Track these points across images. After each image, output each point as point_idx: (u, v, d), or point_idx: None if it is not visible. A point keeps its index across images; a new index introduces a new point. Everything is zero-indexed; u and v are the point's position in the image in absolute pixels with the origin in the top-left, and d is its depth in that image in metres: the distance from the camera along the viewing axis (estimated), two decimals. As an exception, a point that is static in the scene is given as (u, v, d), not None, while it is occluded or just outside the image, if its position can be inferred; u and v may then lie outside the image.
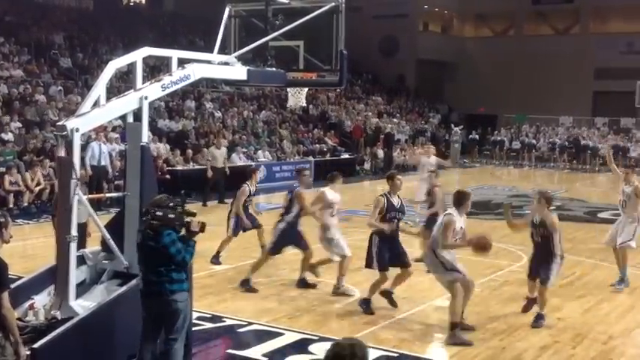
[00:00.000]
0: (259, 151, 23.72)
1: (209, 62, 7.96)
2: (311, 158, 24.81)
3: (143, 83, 7.04)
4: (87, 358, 6.06)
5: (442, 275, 7.95)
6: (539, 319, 8.31)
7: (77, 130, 6.30)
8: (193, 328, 6.84)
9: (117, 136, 18.77)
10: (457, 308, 7.77)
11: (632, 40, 36.80)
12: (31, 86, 21.49)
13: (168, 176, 18.47)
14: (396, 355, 7.33)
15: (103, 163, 16.57)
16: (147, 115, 6.87)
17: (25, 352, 5.18)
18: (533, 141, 35.05)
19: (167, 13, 37.68)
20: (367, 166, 27.87)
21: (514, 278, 10.66)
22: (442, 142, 34.55)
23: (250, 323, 8.19)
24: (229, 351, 7.46)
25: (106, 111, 6.78)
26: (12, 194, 15.68)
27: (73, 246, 6.35)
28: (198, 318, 7.92)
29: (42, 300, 6.66)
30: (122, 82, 20.41)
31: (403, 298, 9.32)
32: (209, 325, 8.09)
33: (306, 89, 9.73)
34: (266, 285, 9.96)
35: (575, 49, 37.38)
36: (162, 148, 20.18)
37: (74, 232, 6.33)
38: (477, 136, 36.45)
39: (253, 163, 22.34)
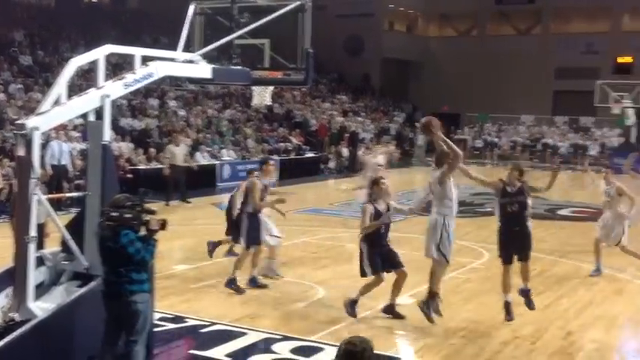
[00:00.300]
0: (223, 150, 23.62)
1: (173, 60, 7.90)
2: (276, 157, 24.76)
3: (105, 81, 6.96)
4: (46, 360, 5.97)
5: None
6: (527, 294, 8.39)
7: (37, 128, 6.20)
8: (155, 329, 6.80)
9: (78, 134, 18.51)
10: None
11: (592, 41, 37.49)
12: (-10, 84, 21.10)
13: (130, 175, 18.28)
14: (359, 353, 7.35)
15: (63, 162, 16.32)
16: (109, 113, 6.78)
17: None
18: (496, 139, 35.54)
19: (130, 11, 37.29)
20: (332, 164, 27.93)
21: (476, 275, 10.80)
22: (407, 141, 34.81)
23: (213, 323, 8.15)
24: (191, 351, 7.42)
25: (66, 109, 6.67)
26: (-30, 194, 15.37)
27: (32, 247, 6.25)
28: (160, 319, 7.86)
29: (-1, 302, 6.54)
30: (84, 80, 20.09)
31: (366, 296, 9.35)
32: (171, 325, 8.03)
33: (271, 88, 9.72)
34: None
35: (537, 49, 37.96)
36: (124, 147, 19.96)
37: (33, 232, 6.23)
38: (440, 135, 36.74)
39: (218, 162, 22.30)
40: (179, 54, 8.08)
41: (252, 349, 7.44)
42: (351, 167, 27.75)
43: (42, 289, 6.54)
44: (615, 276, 11.07)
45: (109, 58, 7.91)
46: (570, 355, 7.48)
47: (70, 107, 6.68)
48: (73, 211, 10.19)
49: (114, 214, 5.64)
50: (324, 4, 35.50)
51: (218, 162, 22.39)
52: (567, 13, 39.53)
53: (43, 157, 14.27)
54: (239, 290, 9.45)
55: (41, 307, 6.26)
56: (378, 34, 40.71)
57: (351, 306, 8.46)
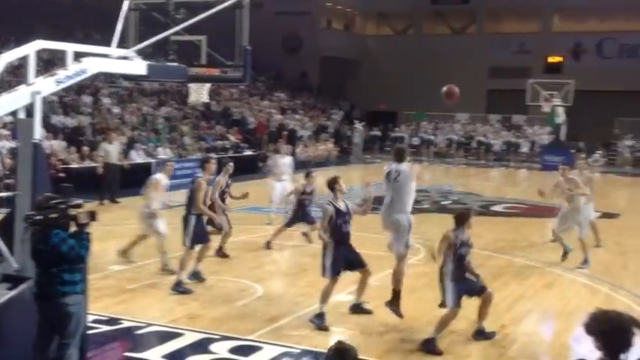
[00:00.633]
0: (159, 148, 23.26)
1: (107, 56, 7.73)
2: (213, 155, 24.51)
3: (36, 78, 6.75)
4: (-26, 366, 5.77)
5: None
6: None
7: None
8: (89, 332, 6.65)
9: (7, 132, 17.93)
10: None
11: (524, 41, 38.49)
12: None
13: (63, 174, 17.80)
14: (297, 351, 7.38)
15: (-8, 160, 15.82)
16: (40, 110, 6.58)
17: None
18: (432, 137, 36.14)
19: (62, 5, 36.29)
20: (270, 162, 27.85)
21: (412, 271, 10.90)
22: (345, 139, 35.03)
23: (149, 324, 8.02)
24: (127, 354, 7.29)
25: (-5, 107, 6.46)
26: None
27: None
28: (94, 321, 7.68)
29: None
30: (13, 77, 19.48)
31: (304, 295, 9.39)
32: (105, 327, 7.86)
33: (208, 85, 9.61)
34: (165, 285, 9.78)
35: (471, 49, 38.73)
36: (56, 145, 19.45)
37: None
38: (378, 133, 37.16)
39: (153, 160, 21.94)
40: (113, 50, 7.91)
41: (190, 349, 7.35)
42: (289, 165, 27.76)
43: (-30, 293, 6.31)
44: (546, 270, 11.40)
45: (40, 54, 7.68)
46: (504, 348, 7.66)
47: (-2, 104, 6.46)
48: (3, 212, 9.88)
49: (38, 217, 5.48)
50: (262, 1, 35.35)
51: (154, 160, 22.03)
52: (500, 13, 40.47)
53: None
54: (186, 291, 9.35)
55: (-31, 312, 6.04)
56: (316, 32, 40.82)
57: (319, 318, 8.23)
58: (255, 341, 7.58)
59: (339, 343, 4.03)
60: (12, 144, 16.49)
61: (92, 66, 7.17)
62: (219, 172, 11.27)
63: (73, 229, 5.64)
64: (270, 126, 30.78)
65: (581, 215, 11.78)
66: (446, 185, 23.30)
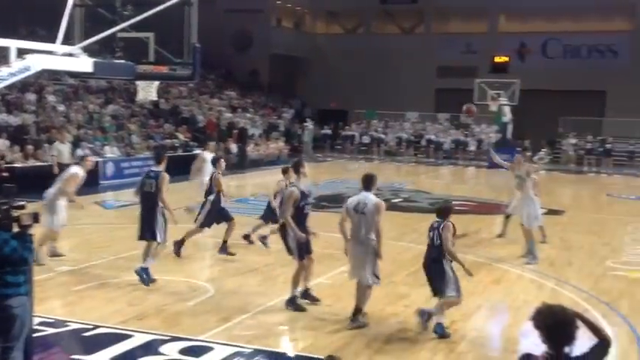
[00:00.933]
0: (106, 147, 22.86)
1: (51, 53, 7.55)
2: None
3: (-23, 75, 6.55)
4: None
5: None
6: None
7: None
8: (34, 335, 6.47)
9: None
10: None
11: (471, 41, 39.06)
12: None
13: (6, 174, 17.33)
14: (249, 350, 7.33)
15: None
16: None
17: None
18: (382, 135, 36.40)
19: (5, 0, 35.34)
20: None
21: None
22: (296, 137, 35.01)
23: (97, 326, 7.87)
24: (74, 357, 7.12)
25: None
26: None
27: None
28: (40, 323, 7.48)
29: None
30: (-47, 73, 18.91)
31: (256, 293, 9.35)
32: (51, 330, 7.69)
33: (156, 83, 9.50)
34: (114, 286, 9.62)
35: (420, 48, 39.12)
36: (-1, 144, 18.95)
37: None
38: (329, 131, 37.27)
39: (101, 159, 21.54)
40: (58, 47, 7.75)
41: (139, 351, 7.24)
42: (240, 164, 27.61)
43: None
44: (494, 266, 11.59)
45: (-19, 50, 7.46)
46: (454, 343, 7.76)
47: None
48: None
49: None
50: (211, -2, 35.09)
51: (101, 159, 21.63)
52: (448, 13, 40.98)
53: None
54: (151, 280, 9.52)
55: None
56: (266, 30, 40.68)
57: (292, 302, 8.59)
58: (207, 342, 7.50)
59: (330, 357, 4.30)
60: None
61: (36, 63, 7.01)
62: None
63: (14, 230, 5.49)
64: (220, 124, 30.53)
65: (530, 206, 12.03)
66: (396, 183, 23.49)
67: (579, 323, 3.86)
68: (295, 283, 8.77)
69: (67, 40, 8.09)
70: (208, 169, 13.55)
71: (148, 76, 8.90)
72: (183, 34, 8.52)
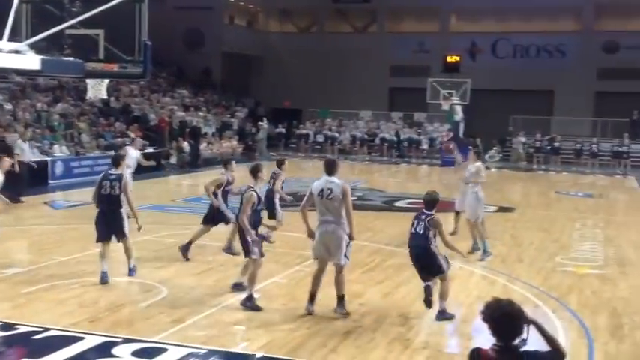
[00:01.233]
0: (55, 146, 22.38)
1: (-3, 50, 7.36)
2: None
3: None
4: None
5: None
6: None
7: None
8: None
9: None
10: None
11: (423, 40, 39.45)
12: None
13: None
14: (204, 351, 7.26)
15: None
16: None
17: None
18: (336, 134, 36.49)
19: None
20: (173, 160, 27.36)
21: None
22: (249, 136, 34.84)
23: (47, 329, 7.69)
24: (23, 360, 6.97)
25: None
26: None
27: None
28: (-12, 327, 7.31)
29: None
30: None
31: (210, 294, 9.28)
32: (0, 333, 7.50)
33: (106, 80, 9.39)
34: (65, 287, 9.42)
35: (373, 47, 39.35)
36: (-57, 143, 18.36)
37: None
38: (283, 130, 37.21)
39: (49, 159, 21.09)
40: (4, 44, 7.57)
41: (91, 353, 7.10)
42: (193, 162, 27.36)
43: None
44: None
45: None
46: (409, 341, 7.82)
47: None
48: None
49: None
50: (162, -4, 34.67)
51: (50, 159, 21.18)
52: (400, 13, 41.33)
53: None
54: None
55: None
56: (219, 28, 40.35)
57: (250, 300, 8.67)
58: (160, 343, 7.41)
59: None
60: None
61: (-18, 60, 6.80)
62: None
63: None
64: (173, 123, 30.18)
65: (479, 202, 12.23)
66: (350, 182, 23.56)
67: (525, 319, 3.93)
68: (252, 281, 8.78)
69: (14, 37, 7.90)
70: (132, 164, 14.09)
71: (97, 73, 8.76)
72: (133, 32, 8.39)
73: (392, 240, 13.36)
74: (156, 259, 11.32)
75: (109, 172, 10.12)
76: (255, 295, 8.92)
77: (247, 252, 8.88)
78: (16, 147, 17.55)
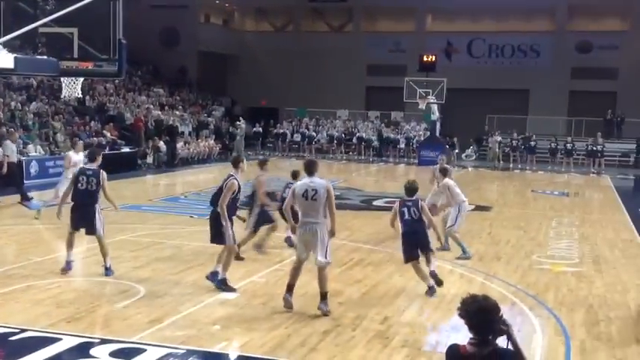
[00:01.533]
0: (30, 145, 22.12)
1: (-31, 48, 7.24)
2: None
3: None
4: None
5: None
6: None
7: None
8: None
9: None
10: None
11: (399, 40, 39.62)
12: None
13: None
14: (183, 351, 7.21)
15: None
16: None
17: None
18: (314, 133, 36.48)
19: None
20: (150, 159, 27.17)
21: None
22: (226, 135, 34.71)
23: (24, 330, 7.58)
24: (0, 362, 6.87)
25: None
26: None
27: None
28: (-37, 329, 7.19)
29: None
30: None
31: (189, 294, 9.22)
32: (-25, 335, 7.39)
33: (81, 79, 9.29)
34: (41, 288, 9.31)
35: (349, 46, 39.42)
36: None
37: None
38: (260, 129, 37.13)
39: (24, 158, 20.83)
40: (-23, 42, 7.42)
41: (68, 354, 7.03)
42: (169, 162, 27.20)
43: None
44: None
45: None
46: (387, 339, 7.83)
47: None
48: None
49: None
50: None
51: (24, 158, 20.92)
52: (376, 12, 41.45)
53: None
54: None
55: None
56: (194, 27, 40.15)
57: (224, 283, 9.18)
58: (138, 343, 7.34)
59: None
60: None
61: (-46, 58, 6.69)
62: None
63: None
64: (149, 122, 29.97)
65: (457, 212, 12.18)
66: (328, 181, 23.55)
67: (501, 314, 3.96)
68: (226, 266, 9.26)
69: (-13, 36, 7.78)
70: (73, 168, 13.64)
71: (72, 72, 8.65)
72: (108, 30, 8.30)
73: (370, 239, 13.39)
74: (133, 259, 11.22)
75: (85, 167, 10.39)
76: (236, 294, 8.93)
77: (221, 238, 9.25)
78: (6, 148, 17.38)
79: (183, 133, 30.98)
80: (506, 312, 4.13)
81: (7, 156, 16.95)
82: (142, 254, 11.61)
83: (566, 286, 10.49)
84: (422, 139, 34.13)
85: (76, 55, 8.44)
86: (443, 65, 34.98)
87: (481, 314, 3.91)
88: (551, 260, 12.26)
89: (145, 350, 7.16)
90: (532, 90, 37.46)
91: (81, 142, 16.48)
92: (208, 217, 9.79)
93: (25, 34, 7.92)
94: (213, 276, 9.50)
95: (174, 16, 39.15)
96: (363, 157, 34.71)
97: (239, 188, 9.29)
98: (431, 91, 30.95)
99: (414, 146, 33.98)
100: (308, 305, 8.74)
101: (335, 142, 36.00)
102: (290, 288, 8.69)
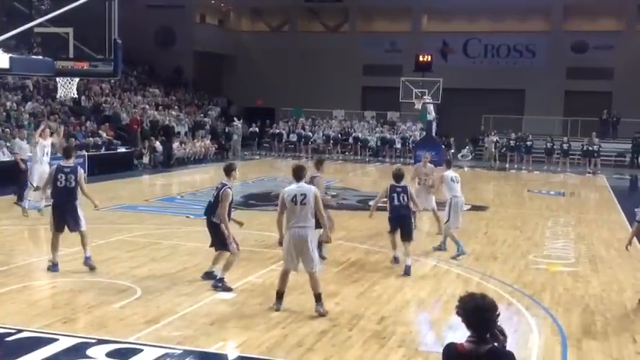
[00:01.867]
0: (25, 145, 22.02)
1: (-36, 49, 7.21)
2: (84, 152, 23.56)
3: None
4: None
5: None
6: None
7: None
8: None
9: None
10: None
11: (395, 40, 39.63)
12: None
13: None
14: (179, 351, 7.20)
15: None
16: None
17: None
18: (310, 133, 36.46)
19: None
20: (146, 159, 27.12)
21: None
22: (222, 135, 34.67)
23: (20, 331, 7.57)
24: (-4, 363, 6.85)
25: None
26: None
27: None
28: (-42, 330, 7.17)
29: None
30: None
31: (185, 294, 9.21)
32: (-29, 336, 7.36)
33: (77, 79, 9.26)
34: (37, 288, 9.30)
35: (345, 46, 39.42)
36: None
37: None
38: (256, 129, 37.10)
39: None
40: (-28, 42, 7.40)
41: (65, 355, 7.00)
42: (165, 162, 27.16)
43: None
44: (422, 261, 11.77)
45: None
46: (384, 339, 7.82)
47: None
48: None
49: None
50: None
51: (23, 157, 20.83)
52: (372, 12, 41.46)
53: None
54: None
55: None
56: (190, 27, 40.12)
57: (221, 282, 9.28)
58: (135, 344, 7.33)
59: None
60: None
61: (-51, 58, 6.67)
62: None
63: None
64: (145, 122, 29.92)
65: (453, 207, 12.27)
66: (324, 181, 23.53)
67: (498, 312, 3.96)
68: (227, 267, 9.36)
69: (-19, 36, 7.75)
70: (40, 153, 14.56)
71: (67, 72, 8.63)
72: (104, 30, 8.28)
73: (366, 239, 13.38)
74: (130, 259, 11.20)
75: (62, 164, 10.46)
76: (233, 294, 8.97)
77: (223, 245, 9.35)
78: (14, 146, 17.46)
79: (179, 133, 30.93)
80: (502, 312, 4.12)
81: (17, 153, 16.97)
82: (138, 254, 11.59)
83: (563, 285, 10.51)
84: (418, 139, 34.12)
85: (71, 55, 8.42)
86: (439, 65, 34.99)
87: (478, 312, 3.91)
88: (547, 260, 12.28)
89: (142, 350, 7.14)
90: (528, 90, 37.50)
91: (47, 129, 16.55)
92: (206, 225, 9.75)
93: (21, 33, 7.89)
94: (207, 276, 9.54)
95: (169, 16, 39.11)
96: (359, 157, 34.71)
97: (233, 196, 9.50)
98: (427, 91, 30.91)
99: (410, 146, 33.98)
100: (304, 306, 8.73)
101: (331, 142, 36.00)
102: (280, 295, 8.66)
